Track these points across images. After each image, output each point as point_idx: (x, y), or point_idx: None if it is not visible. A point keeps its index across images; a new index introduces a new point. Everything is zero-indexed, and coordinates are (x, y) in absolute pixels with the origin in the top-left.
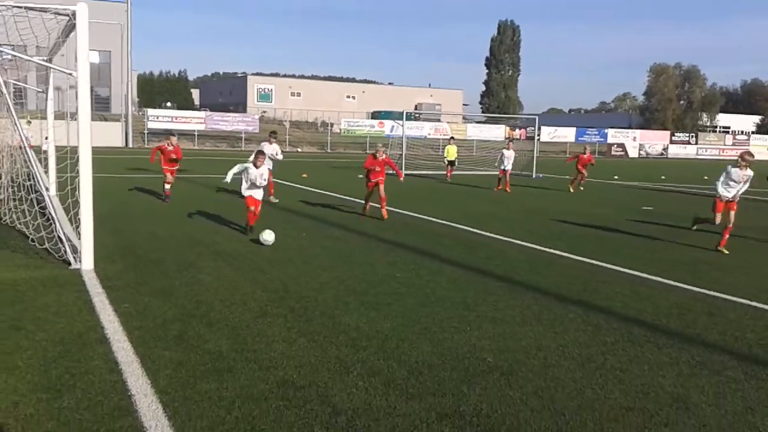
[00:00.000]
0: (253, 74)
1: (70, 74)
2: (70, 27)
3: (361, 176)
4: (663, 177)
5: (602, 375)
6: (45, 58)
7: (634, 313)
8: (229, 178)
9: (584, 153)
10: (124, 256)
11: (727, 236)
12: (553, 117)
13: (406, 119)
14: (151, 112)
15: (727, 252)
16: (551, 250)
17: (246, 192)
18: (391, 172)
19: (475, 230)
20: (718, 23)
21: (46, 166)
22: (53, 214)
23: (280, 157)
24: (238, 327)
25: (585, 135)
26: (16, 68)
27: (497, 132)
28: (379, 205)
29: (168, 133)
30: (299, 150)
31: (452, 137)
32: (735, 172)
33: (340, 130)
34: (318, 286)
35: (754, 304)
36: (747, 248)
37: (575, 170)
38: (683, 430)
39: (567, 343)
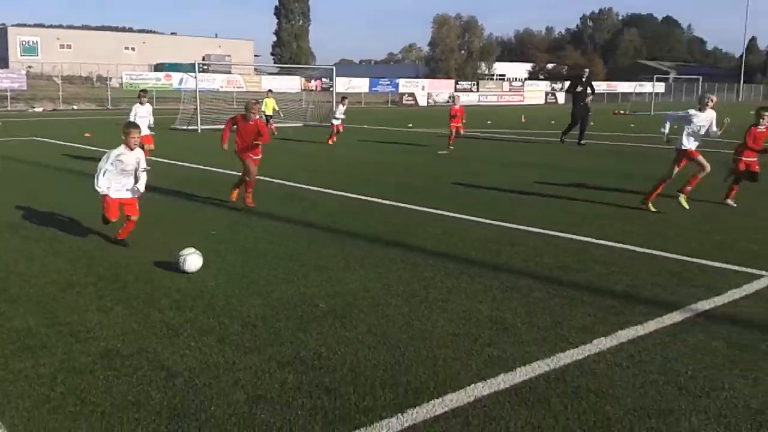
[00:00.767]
0: (14, 25)
1: None
2: None
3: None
4: (489, 122)
5: (427, 307)
6: None
7: (446, 249)
8: (101, 185)
9: (455, 104)
10: None
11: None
12: (345, 68)
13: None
14: None
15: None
16: (364, 197)
17: (106, 190)
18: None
19: (287, 182)
20: None
21: None
22: None
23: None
24: (44, 301)
25: (378, 85)
26: None
27: (292, 83)
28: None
29: None
30: (75, 107)
31: (270, 90)
32: (697, 115)
33: (121, 84)
34: (125, 251)
35: (547, 232)
36: (534, 186)
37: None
38: (504, 348)
39: (391, 282)
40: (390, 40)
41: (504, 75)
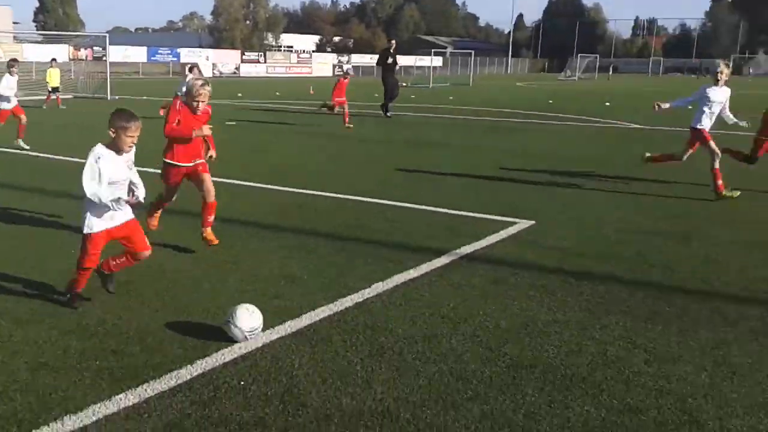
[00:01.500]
0: None
1: None
2: None
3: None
4: (277, 93)
5: (219, 269)
6: None
7: (237, 215)
8: (103, 197)
9: (345, 77)
10: None
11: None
12: (120, 36)
13: None
14: None
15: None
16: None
17: (99, 223)
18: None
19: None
20: None
21: None
22: None
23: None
24: None
25: (157, 55)
26: None
27: (59, 52)
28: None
29: None
30: None
31: (54, 59)
32: (714, 91)
33: None
34: None
35: (338, 195)
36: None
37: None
38: (292, 298)
39: (190, 247)
40: (169, 7)
41: (291, 47)
